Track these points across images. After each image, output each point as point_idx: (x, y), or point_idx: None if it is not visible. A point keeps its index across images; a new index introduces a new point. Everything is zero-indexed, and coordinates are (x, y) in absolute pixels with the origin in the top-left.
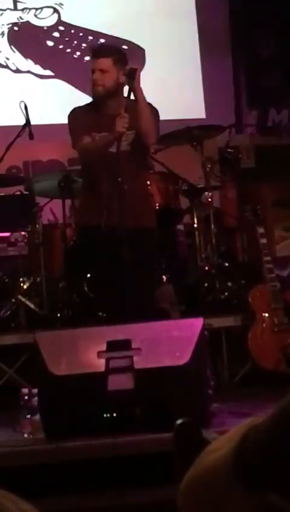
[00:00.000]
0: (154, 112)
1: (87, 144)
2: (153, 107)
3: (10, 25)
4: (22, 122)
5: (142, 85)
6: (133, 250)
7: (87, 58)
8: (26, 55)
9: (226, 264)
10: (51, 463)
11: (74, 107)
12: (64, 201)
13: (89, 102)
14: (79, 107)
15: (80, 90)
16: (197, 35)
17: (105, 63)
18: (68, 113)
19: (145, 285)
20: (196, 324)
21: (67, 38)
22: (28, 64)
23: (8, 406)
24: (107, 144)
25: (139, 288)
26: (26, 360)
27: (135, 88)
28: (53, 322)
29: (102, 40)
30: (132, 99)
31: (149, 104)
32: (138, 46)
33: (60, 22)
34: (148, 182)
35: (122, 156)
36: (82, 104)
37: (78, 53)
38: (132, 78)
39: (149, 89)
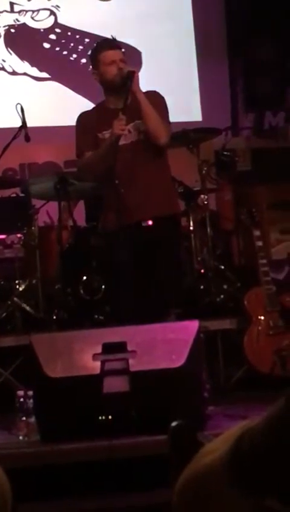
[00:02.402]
0: (161, 101)
1: (88, 158)
2: (159, 94)
3: (7, 27)
4: (18, 124)
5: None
6: (157, 242)
7: (83, 60)
8: (22, 58)
9: (222, 267)
10: (46, 465)
11: (69, 109)
12: (61, 204)
13: (94, 106)
14: (84, 112)
15: (76, 92)
16: (193, 38)
17: (120, 53)
18: (65, 115)
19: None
20: (192, 327)
21: (63, 41)
22: (24, 66)
23: (3, 408)
24: (106, 148)
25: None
26: (21, 362)
27: (135, 91)
28: (49, 324)
29: (94, 45)
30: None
31: (154, 92)
32: (135, 49)
33: (56, 24)
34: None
35: (134, 147)
36: (77, 106)
37: (74, 55)
38: (131, 80)
39: (144, 91)
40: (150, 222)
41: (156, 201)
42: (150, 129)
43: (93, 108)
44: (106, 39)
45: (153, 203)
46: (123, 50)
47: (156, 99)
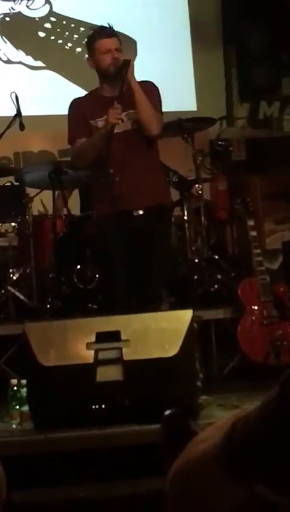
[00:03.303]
0: (155, 92)
1: (80, 144)
2: (153, 85)
3: (2, 16)
4: (13, 112)
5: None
6: (148, 231)
7: (78, 49)
8: (17, 46)
9: (216, 257)
10: (39, 454)
11: (64, 98)
12: (55, 193)
13: (87, 93)
14: (77, 98)
15: (71, 81)
16: (188, 27)
17: (117, 41)
18: (59, 104)
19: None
20: (186, 316)
21: (59, 30)
22: (19, 55)
23: None
24: (101, 136)
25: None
26: (15, 351)
27: (129, 80)
28: (42, 313)
29: (91, 32)
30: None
31: (149, 82)
32: (130, 38)
33: (51, 13)
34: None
35: (126, 137)
36: (72, 95)
37: (69, 44)
38: (125, 69)
39: (139, 80)
40: (141, 212)
41: (147, 191)
42: (142, 119)
43: (86, 95)
44: (102, 27)
45: (144, 193)
46: (119, 38)
47: (150, 90)
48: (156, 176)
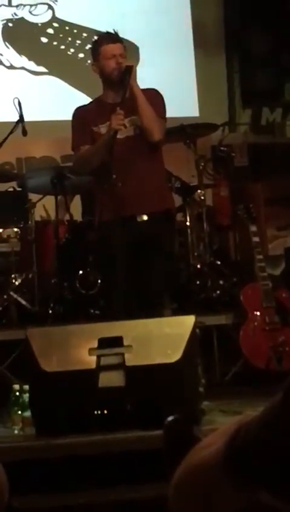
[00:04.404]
0: (158, 99)
1: (84, 151)
2: (158, 92)
3: (4, 21)
4: (16, 118)
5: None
6: (151, 236)
7: (81, 55)
8: (20, 52)
9: (219, 262)
10: (41, 459)
11: (66, 103)
12: (57, 198)
13: (91, 100)
14: (81, 106)
15: (73, 87)
16: (191, 33)
17: (122, 47)
18: (62, 109)
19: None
20: (188, 322)
21: (61, 35)
22: (22, 60)
23: None
24: (104, 142)
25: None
26: (17, 357)
27: (132, 85)
28: (44, 318)
29: (96, 37)
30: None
31: (153, 89)
32: (132, 43)
33: (54, 18)
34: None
35: (129, 142)
36: (74, 100)
37: (72, 50)
38: (128, 75)
39: (142, 86)
40: (145, 217)
41: (150, 196)
42: (144, 125)
43: (91, 102)
44: (108, 32)
45: (147, 198)
46: (124, 44)
47: (154, 97)
48: (159, 182)
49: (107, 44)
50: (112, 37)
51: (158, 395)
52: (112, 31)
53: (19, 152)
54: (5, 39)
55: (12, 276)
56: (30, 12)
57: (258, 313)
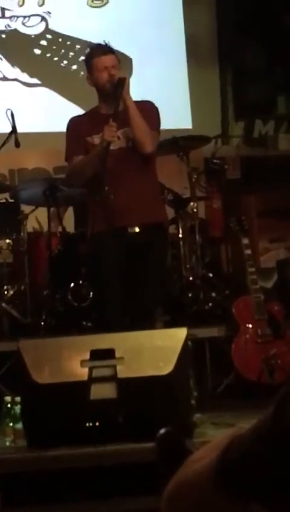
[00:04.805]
0: (152, 111)
1: (77, 162)
2: (152, 104)
3: None
4: (8, 129)
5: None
6: (143, 248)
7: (74, 66)
8: (13, 63)
9: (211, 275)
10: (32, 471)
11: (59, 115)
12: (50, 210)
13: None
14: (75, 116)
15: (66, 98)
16: (184, 45)
17: (114, 59)
18: (55, 121)
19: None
20: (180, 334)
21: (54, 47)
22: (15, 72)
23: None
24: (97, 153)
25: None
26: (9, 368)
27: (124, 98)
28: (36, 330)
29: (88, 50)
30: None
31: (148, 101)
32: (125, 56)
33: (47, 30)
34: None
35: (122, 154)
36: (68, 112)
37: (65, 61)
38: (121, 87)
39: (136, 98)
40: (137, 229)
41: (143, 208)
42: (136, 137)
43: (85, 113)
44: (98, 45)
45: (139, 210)
46: (116, 55)
47: (147, 109)
48: (152, 193)
49: (98, 57)
50: (103, 49)
51: (150, 407)
52: (103, 43)
53: (11, 163)
54: None
55: (5, 287)
56: (23, 23)
57: (250, 326)
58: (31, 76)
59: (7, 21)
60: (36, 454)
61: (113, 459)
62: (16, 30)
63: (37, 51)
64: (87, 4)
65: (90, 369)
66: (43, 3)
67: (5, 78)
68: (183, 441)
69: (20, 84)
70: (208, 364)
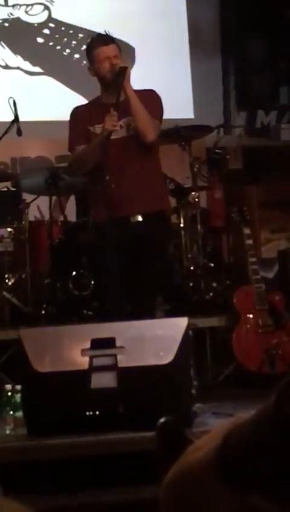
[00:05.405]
0: (154, 100)
1: (79, 151)
2: (155, 93)
3: (0, 21)
4: (11, 118)
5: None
6: (145, 237)
7: (77, 55)
8: (15, 51)
9: (212, 265)
10: (32, 460)
11: (61, 104)
12: (51, 198)
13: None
14: (78, 106)
15: (69, 87)
16: (187, 35)
17: (116, 48)
18: (57, 110)
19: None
20: (181, 324)
21: (57, 36)
22: (17, 60)
23: None
24: (98, 143)
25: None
26: (9, 357)
27: (125, 87)
28: (37, 319)
29: (89, 41)
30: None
31: (151, 90)
32: (128, 45)
33: (50, 19)
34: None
35: (124, 143)
36: (70, 101)
37: (68, 50)
38: (122, 76)
39: (138, 87)
40: (140, 218)
41: (146, 197)
42: (137, 126)
43: (88, 102)
44: (99, 34)
45: (142, 199)
46: (117, 45)
47: (149, 97)
48: (154, 182)
49: (99, 47)
50: (104, 39)
51: (150, 397)
52: (104, 33)
53: (13, 152)
54: (0, 39)
55: (6, 276)
56: (26, 12)
57: (251, 316)
58: (34, 64)
59: (10, 9)
60: (36, 443)
61: (113, 448)
62: (18, 18)
63: (40, 40)
64: None
65: (91, 358)
66: None
67: (7, 67)
68: (183, 431)
69: (22, 73)
70: (209, 354)
